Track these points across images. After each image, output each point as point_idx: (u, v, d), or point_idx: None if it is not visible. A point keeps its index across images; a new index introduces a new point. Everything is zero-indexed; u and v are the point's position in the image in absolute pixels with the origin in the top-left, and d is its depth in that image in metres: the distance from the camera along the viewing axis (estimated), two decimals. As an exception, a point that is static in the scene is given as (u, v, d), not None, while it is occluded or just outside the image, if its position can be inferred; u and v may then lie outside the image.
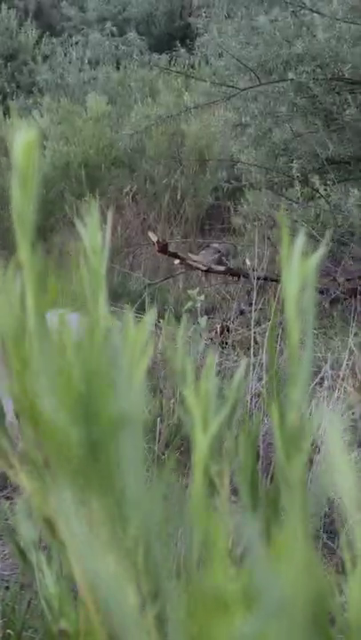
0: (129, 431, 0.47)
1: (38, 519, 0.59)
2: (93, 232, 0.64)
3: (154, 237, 5.53)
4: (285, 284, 0.56)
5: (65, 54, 12.12)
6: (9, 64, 13.09)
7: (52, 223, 7.18)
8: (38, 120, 8.58)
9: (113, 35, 12.93)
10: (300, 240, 0.56)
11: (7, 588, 1.85)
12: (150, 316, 0.57)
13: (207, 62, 9.10)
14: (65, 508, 0.48)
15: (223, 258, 6.19)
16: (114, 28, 13.10)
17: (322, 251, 0.56)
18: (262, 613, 0.35)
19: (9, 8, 13.78)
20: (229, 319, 4.76)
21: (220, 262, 6.05)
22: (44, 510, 0.58)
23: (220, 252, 6.32)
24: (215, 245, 6.29)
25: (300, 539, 0.34)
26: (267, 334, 3.76)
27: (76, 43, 12.27)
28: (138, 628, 0.47)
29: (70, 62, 11.63)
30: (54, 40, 12.85)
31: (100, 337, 0.56)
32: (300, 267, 0.56)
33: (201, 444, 0.56)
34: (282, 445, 0.51)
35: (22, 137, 0.56)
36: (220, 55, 6.10)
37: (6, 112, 9.57)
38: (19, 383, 0.56)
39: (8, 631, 1.47)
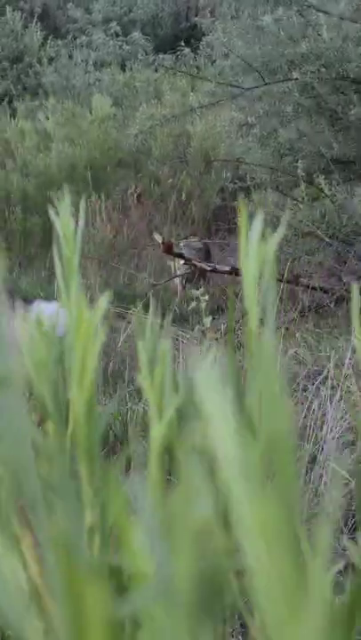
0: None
1: None
2: (65, 219, 0.63)
3: (159, 238, 5.53)
4: (244, 271, 0.56)
5: (70, 56, 12.12)
6: (14, 66, 13.11)
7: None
8: (44, 122, 8.59)
9: (117, 35, 12.94)
10: (258, 225, 0.55)
11: None
12: (104, 300, 0.57)
13: (213, 62, 9.10)
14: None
15: (199, 254, 6.12)
16: (118, 29, 13.11)
17: (279, 234, 0.55)
18: (146, 592, 0.34)
19: (14, 10, 13.80)
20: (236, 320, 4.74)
21: (207, 259, 6.06)
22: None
23: (200, 248, 6.24)
24: (194, 242, 6.21)
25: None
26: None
27: (82, 45, 12.28)
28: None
29: (76, 64, 11.63)
30: (59, 42, 12.86)
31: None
32: (258, 252, 0.55)
33: (156, 431, 0.56)
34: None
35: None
36: (226, 55, 6.10)
37: (12, 114, 9.59)
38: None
39: None
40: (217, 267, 5.56)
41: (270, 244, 0.55)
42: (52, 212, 0.63)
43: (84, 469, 0.57)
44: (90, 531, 0.55)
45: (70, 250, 0.63)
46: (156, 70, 10.23)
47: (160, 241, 5.52)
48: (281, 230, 0.55)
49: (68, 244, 0.63)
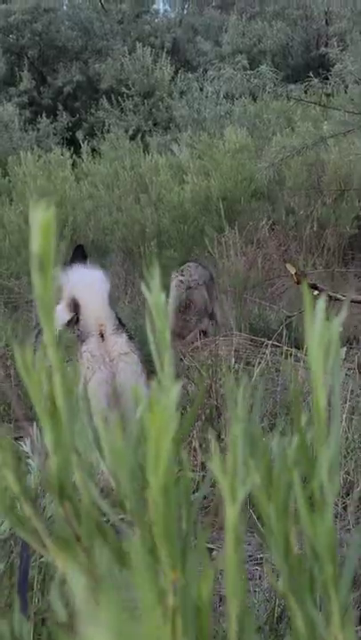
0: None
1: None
2: (156, 295, 0.63)
3: (292, 269, 5.48)
4: (309, 350, 0.54)
5: (201, 89, 12.27)
6: (146, 101, 13.38)
7: (190, 256, 7.24)
8: (177, 155, 8.70)
9: (245, 68, 13.01)
10: (321, 304, 0.53)
11: None
12: (176, 387, 0.55)
13: (346, 89, 9.03)
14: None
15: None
16: (245, 62, 13.19)
17: (343, 314, 0.53)
18: None
19: (144, 46, 14.11)
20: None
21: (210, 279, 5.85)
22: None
23: (204, 267, 6.02)
24: (191, 264, 5.99)
25: None
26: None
27: (213, 79, 12.41)
28: None
29: (206, 96, 11.76)
30: (190, 75, 13.04)
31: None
32: (323, 331, 0.53)
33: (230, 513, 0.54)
34: None
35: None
36: (357, 82, 6.04)
37: (145, 148, 9.76)
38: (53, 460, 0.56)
39: None
40: (354, 297, 5.47)
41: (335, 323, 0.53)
42: (143, 289, 0.64)
43: (164, 553, 0.55)
44: (173, 612, 0.54)
45: (161, 324, 0.61)
46: (288, 100, 10.22)
47: (293, 272, 5.48)
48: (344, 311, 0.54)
49: (159, 318, 0.62)
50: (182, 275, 5.58)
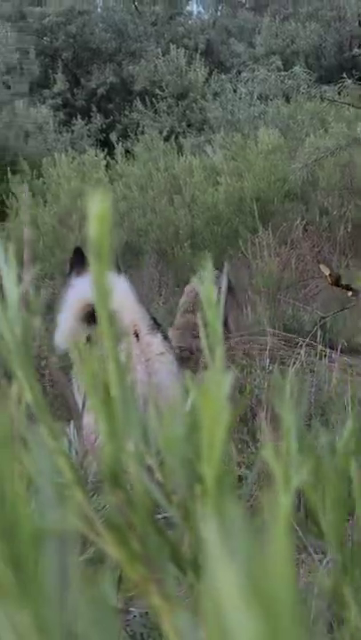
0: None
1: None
2: (208, 287, 0.63)
3: (326, 270, 5.46)
4: None
5: (235, 90, 12.27)
6: (180, 103, 13.40)
7: (226, 259, 7.23)
8: (211, 156, 8.70)
9: (279, 70, 12.98)
10: None
11: None
12: (228, 377, 0.56)
13: (380, 91, 8.98)
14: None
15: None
16: (280, 63, 13.17)
17: None
18: None
19: (178, 47, 14.13)
20: None
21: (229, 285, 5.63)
22: (133, 577, 0.56)
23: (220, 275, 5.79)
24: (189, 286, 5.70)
25: None
26: None
27: (246, 80, 12.41)
28: None
29: (240, 98, 11.76)
30: (223, 77, 13.04)
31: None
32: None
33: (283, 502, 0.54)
34: None
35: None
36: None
37: (179, 150, 9.77)
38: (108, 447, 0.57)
39: None
40: (390, 299, 5.44)
41: None
42: (195, 280, 0.65)
43: None
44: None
45: (213, 317, 0.62)
46: (322, 101, 10.18)
47: (327, 273, 5.46)
48: None
49: (210, 311, 0.62)
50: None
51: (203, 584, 0.47)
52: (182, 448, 0.57)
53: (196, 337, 4.93)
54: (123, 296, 3.13)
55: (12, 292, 0.60)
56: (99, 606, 0.39)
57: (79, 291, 3.24)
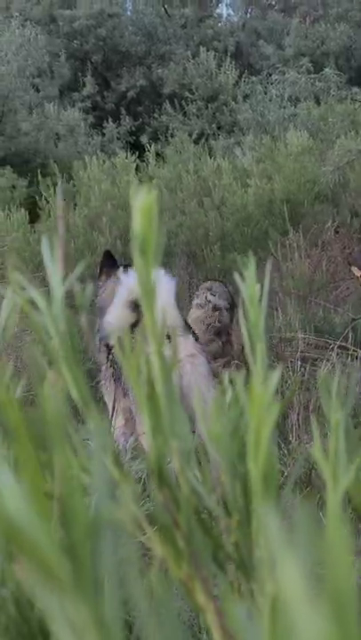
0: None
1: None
2: (251, 286, 0.63)
3: (357, 272, 5.44)
4: None
5: (265, 92, 12.25)
6: (209, 105, 13.41)
7: (256, 261, 7.20)
8: (241, 158, 8.69)
9: (309, 72, 12.95)
10: None
11: None
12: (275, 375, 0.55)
13: None
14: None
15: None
16: (310, 65, 13.12)
17: None
18: None
19: (208, 50, 14.14)
20: None
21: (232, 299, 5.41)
22: (178, 575, 0.56)
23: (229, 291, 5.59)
24: (217, 284, 5.53)
25: None
26: None
27: (277, 82, 12.39)
28: None
29: (270, 100, 11.74)
30: (254, 79, 13.03)
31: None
32: None
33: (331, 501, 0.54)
34: None
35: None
36: None
37: (209, 152, 9.77)
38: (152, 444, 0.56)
39: None
40: None
41: None
42: (237, 278, 0.64)
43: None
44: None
45: (255, 315, 0.61)
46: (352, 103, 10.14)
47: (358, 274, 5.44)
48: None
49: (253, 309, 0.62)
50: (212, 294, 5.18)
51: (259, 581, 0.47)
52: (228, 445, 0.57)
53: (205, 332, 4.88)
54: (165, 295, 3.14)
55: (58, 289, 0.60)
56: (165, 609, 0.39)
57: (129, 282, 3.27)
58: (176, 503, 0.56)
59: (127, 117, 14.18)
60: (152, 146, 10.17)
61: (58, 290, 0.60)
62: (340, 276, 6.82)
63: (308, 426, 3.63)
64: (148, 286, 0.55)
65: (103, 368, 3.57)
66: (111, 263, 3.99)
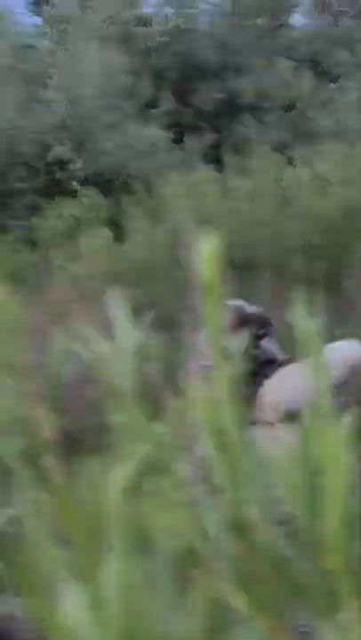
0: None
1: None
2: (304, 322, 0.59)
3: None
4: None
5: (342, 99, 12.14)
6: (287, 114, 13.35)
7: (340, 269, 7.15)
8: (320, 167, 8.63)
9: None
10: None
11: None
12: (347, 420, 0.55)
13: None
14: None
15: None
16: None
17: None
18: None
19: (283, 59, 14.08)
20: None
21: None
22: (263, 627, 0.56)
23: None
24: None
25: None
26: None
27: (354, 88, 12.27)
28: None
29: (348, 107, 11.63)
30: (332, 86, 12.91)
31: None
32: None
33: None
34: None
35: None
36: None
37: (288, 161, 9.72)
38: (230, 496, 0.56)
39: None
40: None
41: None
42: (290, 314, 0.59)
43: (346, 596, 0.54)
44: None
45: (315, 352, 0.59)
46: None
47: None
48: None
49: (310, 346, 0.59)
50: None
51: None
52: (305, 495, 0.56)
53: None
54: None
55: (125, 342, 0.63)
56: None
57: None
58: (255, 555, 0.56)
59: (206, 131, 14.21)
60: (230, 159, 10.17)
61: (126, 342, 0.62)
62: None
63: None
64: (215, 327, 0.56)
65: None
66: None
